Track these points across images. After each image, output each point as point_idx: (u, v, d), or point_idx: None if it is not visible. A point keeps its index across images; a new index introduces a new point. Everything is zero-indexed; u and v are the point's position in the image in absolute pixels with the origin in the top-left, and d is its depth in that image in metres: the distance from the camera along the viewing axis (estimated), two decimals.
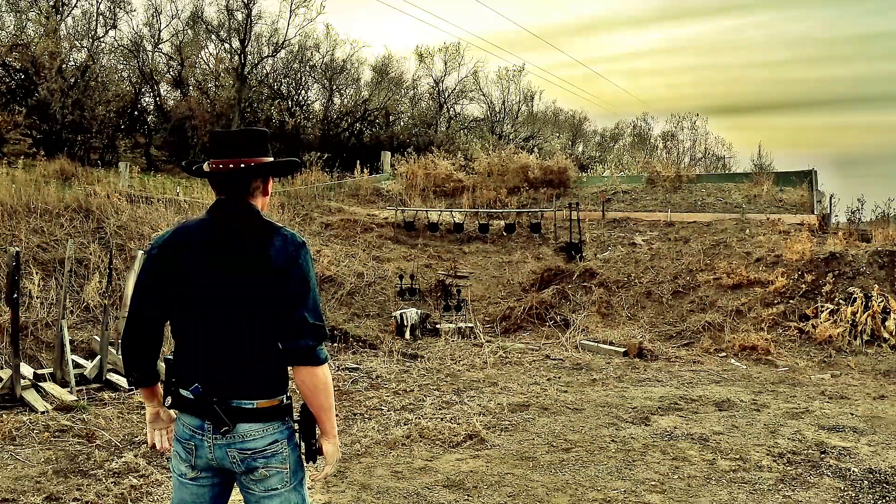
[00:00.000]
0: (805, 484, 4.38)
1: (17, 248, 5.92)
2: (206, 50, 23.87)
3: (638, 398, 6.47)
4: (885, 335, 8.43)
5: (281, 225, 2.23)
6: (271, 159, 2.27)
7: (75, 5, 21.12)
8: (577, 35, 55.22)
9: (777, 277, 9.55)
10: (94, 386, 6.34)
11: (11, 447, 4.78)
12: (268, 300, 2.11)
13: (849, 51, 54.03)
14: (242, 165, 2.19)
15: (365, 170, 18.41)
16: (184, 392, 2.17)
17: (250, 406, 2.13)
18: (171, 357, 2.24)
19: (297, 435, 2.22)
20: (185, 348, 2.20)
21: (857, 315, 8.59)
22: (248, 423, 2.13)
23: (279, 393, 2.18)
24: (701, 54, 58.06)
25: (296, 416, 2.22)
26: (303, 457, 2.23)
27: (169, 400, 2.21)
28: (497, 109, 29.26)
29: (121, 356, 2.45)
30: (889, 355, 8.11)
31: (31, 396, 5.77)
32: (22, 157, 15.21)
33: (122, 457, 4.59)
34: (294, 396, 2.20)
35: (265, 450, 2.15)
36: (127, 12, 22.68)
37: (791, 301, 9.23)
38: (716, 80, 55.62)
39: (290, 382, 2.22)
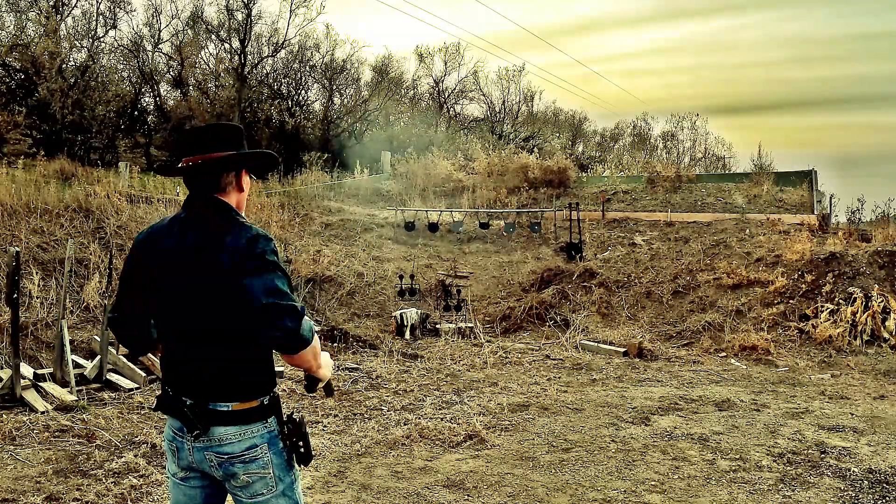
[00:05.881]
0: (805, 484, 4.38)
1: (17, 248, 5.92)
2: (206, 50, 23.87)
3: (638, 398, 6.47)
4: (885, 335, 8.43)
5: (248, 224, 2.14)
6: (235, 152, 2.19)
7: (75, 5, 21.11)
8: (574, 35, 55.18)
9: (777, 277, 9.54)
10: (94, 386, 6.35)
11: (11, 447, 4.78)
12: (231, 297, 2.01)
13: (845, 50, 54.00)
14: (201, 161, 2.14)
15: (365, 170, 18.40)
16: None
17: (225, 409, 2.06)
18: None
19: (282, 438, 2.13)
20: (165, 349, 2.18)
21: (857, 315, 8.58)
22: (224, 427, 2.05)
23: (258, 394, 2.09)
24: (697, 54, 58.02)
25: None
26: (294, 459, 2.16)
27: (155, 402, 2.18)
28: (497, 109, 29.28)
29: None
30: (889, 355, 8.11)
31: (31, 396, 5.77)
32: (22, 157, 15.21)
33: (122, 457, 4.59)
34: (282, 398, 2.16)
35: (243, 455, 2.07)
36: (127, 12, 22.69)
37: (791, 301, 9.22)
38: (713, 80, 55.58)
39: (274, 384, 2.16)
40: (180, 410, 2.08)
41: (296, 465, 2.18)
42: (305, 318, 2.01)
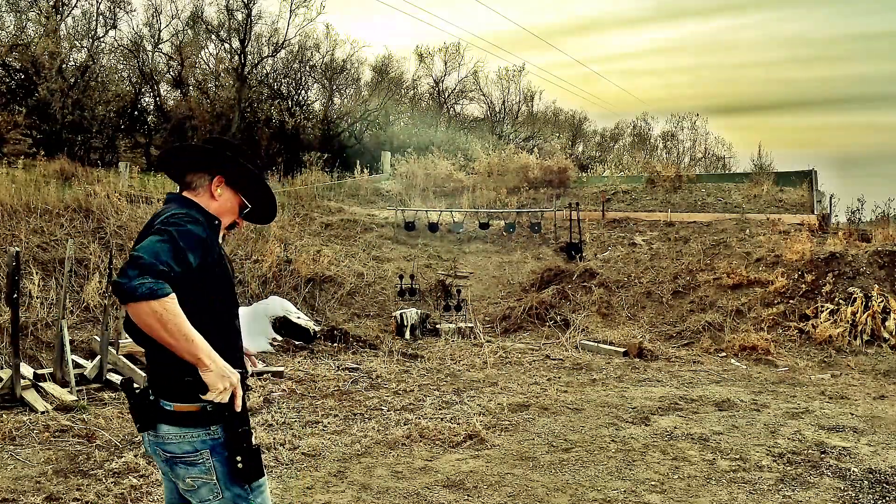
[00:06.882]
0: (805, 484, 4.38)
1: (17, 248, 5.92)
2: (206, 50, 23.85)
3: (638, 398, 6.47)
4: (885, 335, 8.43)
5: (197, 213, 2.14)
6: (209, 152, 2.21)
7: (75, 5, 21.07)
8: (574, 35, 55.13)
9: (777, 277, 9.54)
10: (94, 386, 6.35)
11: (11, 447, 4.78)
12: None
13: (845, 50, 53.96)
14: (166, 150, 2.29)
15: (365, 170, 18.40)
16: None
17: (168, 408, 2.07)
18: None
19: (225, 445, 2.08)
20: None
21: (857, 315, 8.58)
22: (168, 426, 2.07)
23: (198, 399, 2.03)
24: (697, 54, 57.97)
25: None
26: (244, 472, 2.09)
27: None
28: (497, 109, 29.27)
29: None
30: (889, 355, 8.11)
31: (31, 396, 5.77)
32: (22, 157, 15.20)
33: (122, 457, 4.59)
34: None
35: (183, 457, 2.07)
36: (127, 12, 22.64)
37: (791, 301, 9.22)
38: (713, 80, 55.53)
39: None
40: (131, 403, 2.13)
41: (256, 477, 2.10)
42: (152, 281, 1.82)
